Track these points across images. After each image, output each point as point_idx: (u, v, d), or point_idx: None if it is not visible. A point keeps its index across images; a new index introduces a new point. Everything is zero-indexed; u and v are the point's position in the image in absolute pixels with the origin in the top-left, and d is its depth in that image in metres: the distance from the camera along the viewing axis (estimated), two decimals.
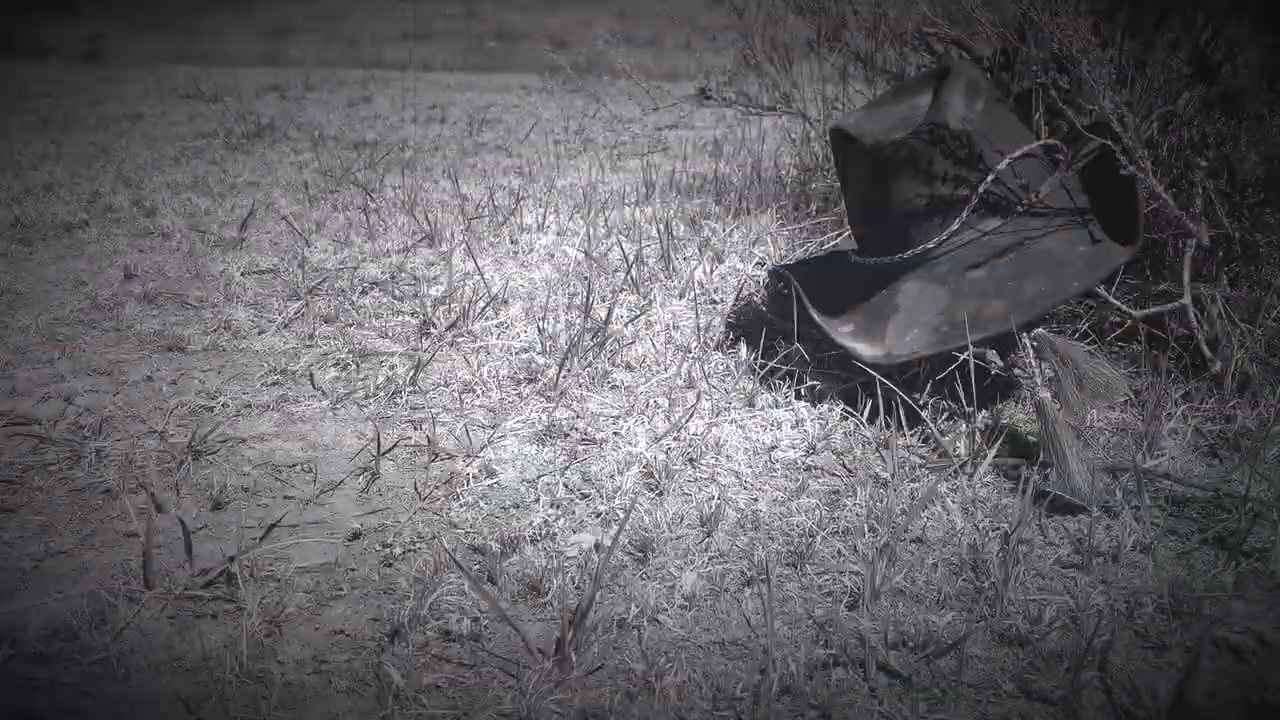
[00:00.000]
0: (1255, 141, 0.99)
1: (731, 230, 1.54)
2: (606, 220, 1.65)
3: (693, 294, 1.30)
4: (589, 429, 0.99)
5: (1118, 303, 0.98)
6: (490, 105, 2.97)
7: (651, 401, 1.04)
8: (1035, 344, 0.91)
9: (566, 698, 0.65)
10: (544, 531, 0.82)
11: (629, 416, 1.01)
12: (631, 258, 1.41)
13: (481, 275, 1.36)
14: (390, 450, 0.96)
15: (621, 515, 0.84)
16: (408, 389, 1.08)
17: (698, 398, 1.05)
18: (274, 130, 2.53)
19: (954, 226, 0.95)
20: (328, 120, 2.75)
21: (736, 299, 1.27)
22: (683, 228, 1.59)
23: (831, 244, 1.44)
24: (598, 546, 0.81)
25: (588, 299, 1.21)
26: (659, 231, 1.47)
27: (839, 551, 0.79)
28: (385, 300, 1.35)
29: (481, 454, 0.95)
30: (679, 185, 1.85)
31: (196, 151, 2.35)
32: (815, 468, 0.92)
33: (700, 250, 1.48)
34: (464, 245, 1.54)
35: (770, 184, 1.73)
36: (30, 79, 3.57)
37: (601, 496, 0.87)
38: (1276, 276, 1.02)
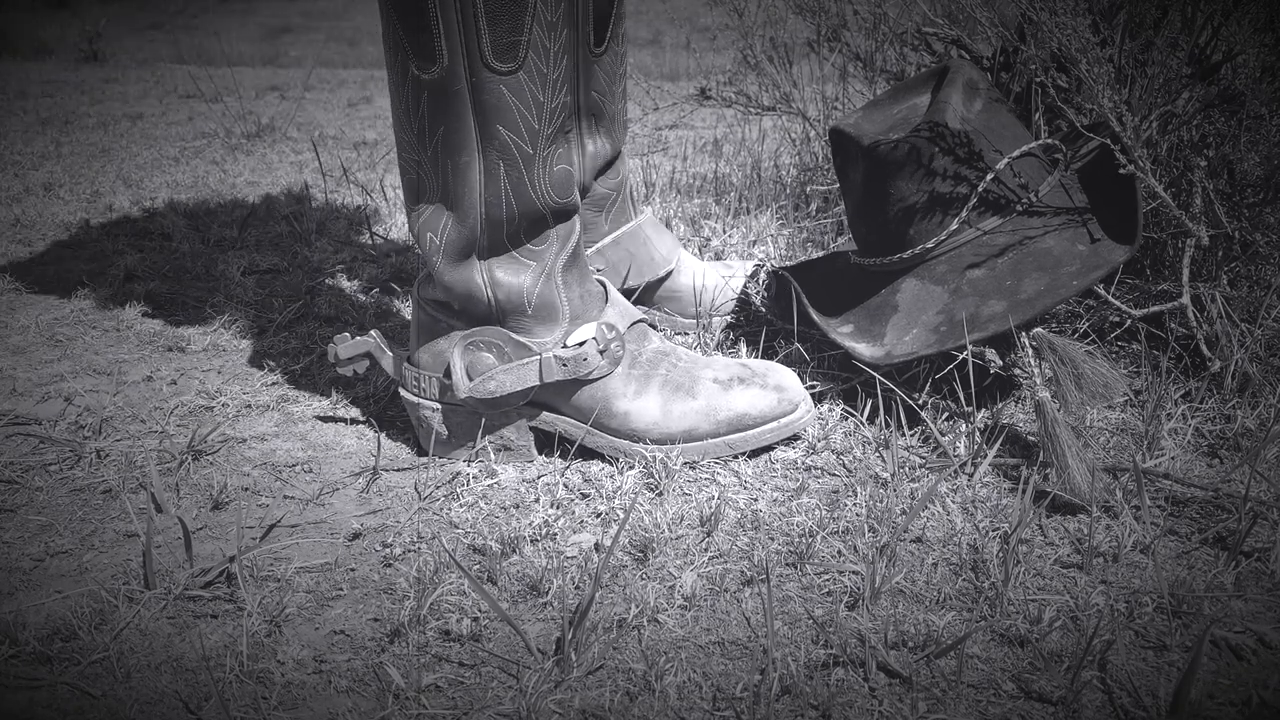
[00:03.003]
0: (1255, 141, 0.99)
1: (731, 230, 1.54)
2: None
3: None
4: None
5: (1117, 302, 0.98)
6: None
7: None
8: (1034, 343, 0.91)
9: (566, 698, 0.65)
10: (544, 531, 0.82)
11: None
12: None
13: None
14: (391, 451, 0.96)
15: (621, 515, 0.84)
16: None
17: None
18: (274, 130, 2.53)
19: (953, 226, 0.95)
20: (328, 120, 2.75)
21: (737, 299, 1.26)
22: (683, 228, 1.59)
23: (831, 245, 1.44)
24: (598, 546, 0.81)
25: None
26: None
27: (839, 551, 0.79)
28: (386, 300, 1.35)
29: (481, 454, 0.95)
30: (679, 185, 1.85)
31: (196, 151, 2.35)
32: (815, 468, 0.92)
33: (700, 250, 1.48)
34: None
35: (770, 184, 1.73)
36: (30, 79, 3.57)
37: (601, 496, 0.88)
38: (1276, 276, 1.02)
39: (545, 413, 0.93)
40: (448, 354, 0.91)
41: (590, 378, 0.90)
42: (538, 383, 0.90)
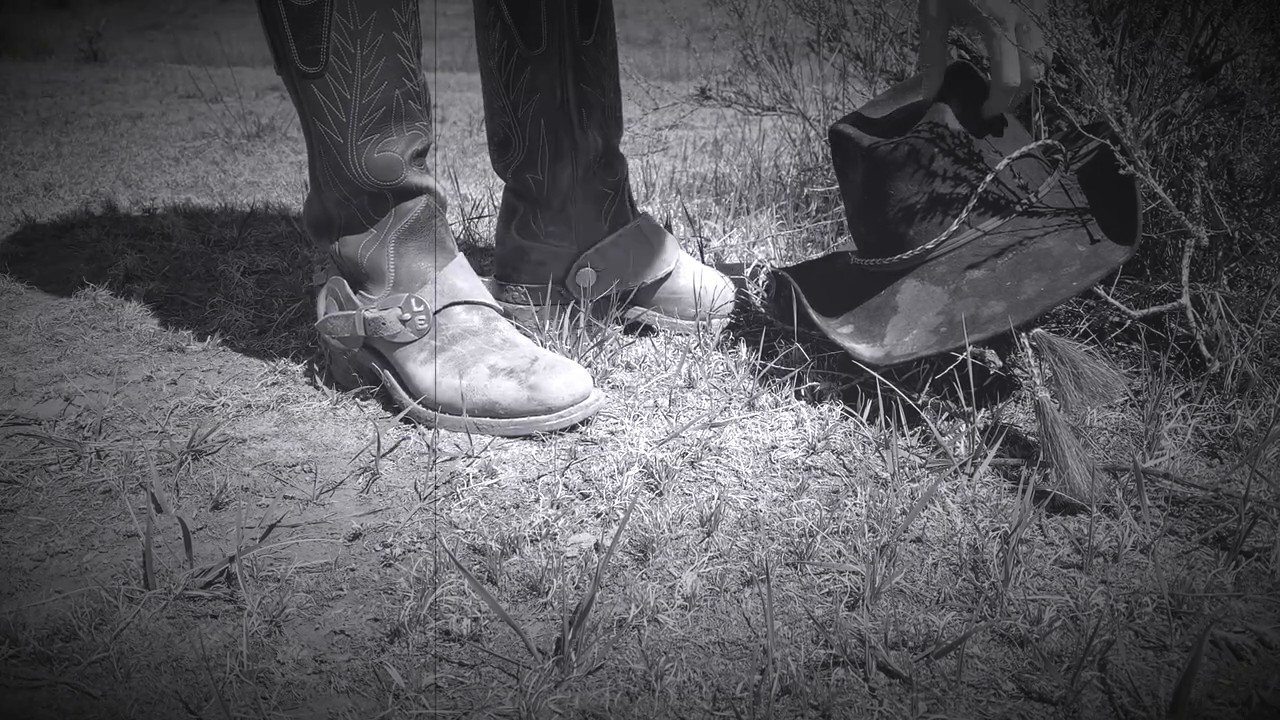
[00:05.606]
0: (1255, 141, 0.99)
1: (731, 230, 1.54)
2: None
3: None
4: (589, 429, 0.99)
5: (1116, 302, 0.98)
6: None
7: (652, 401, 1.04)
8: (1034, 344, 0.91)
9: (566, 698, 0.65)
10: (544, 531, 0.82)
11: (629, 416, 1.01)
12: None
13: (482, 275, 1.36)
14: (391, 451, 0.96)
15: (621, 515, 0.84)
16: None
17: (698, 398, 1.05)
18: (274, 130, 2.53)
19: (953, 227, 0.95)
20: None
21: (736, 300, 1.26)
22: (683, 228, 1.59)
23: (831, 245, 1.44)
24: (598, 546, 0.81)
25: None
26: None
27: (839, 551, 0.79)
28: None
29: (481, 454, 0.95)
30: (679, 185, 1.85)
31: (196, 151, 2.35)
32: (815, 468, 0.92)
33: (700, 250, 1.48)
34: (464, 245, 1.54)
35: (770, 184, 1.73)
36: (30, 79, 3.57)
37: (601, 496, 0.88)
38: (1276, 276, 1.02)
39: (386, 360, 1.05)
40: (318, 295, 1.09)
41: (396, 341, 1.01)
42: (361, 333, 1.03)
